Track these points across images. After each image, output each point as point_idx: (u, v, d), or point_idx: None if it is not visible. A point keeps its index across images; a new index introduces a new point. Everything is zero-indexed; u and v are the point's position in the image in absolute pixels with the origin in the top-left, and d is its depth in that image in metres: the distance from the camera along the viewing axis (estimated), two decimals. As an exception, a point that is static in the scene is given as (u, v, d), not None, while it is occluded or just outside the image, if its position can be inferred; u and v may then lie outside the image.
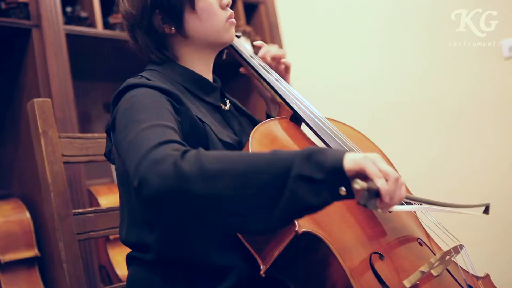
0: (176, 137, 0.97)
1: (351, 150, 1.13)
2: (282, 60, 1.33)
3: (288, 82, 1.32)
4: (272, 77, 1.28)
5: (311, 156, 0.85)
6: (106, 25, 2.46)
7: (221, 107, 1.23)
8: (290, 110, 1.21)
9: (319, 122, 1.19)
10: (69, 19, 2.31)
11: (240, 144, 1.14)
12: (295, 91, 1.26)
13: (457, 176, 2.43)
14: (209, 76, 1.25)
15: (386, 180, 0.85)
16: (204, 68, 1.23)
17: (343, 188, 0.84)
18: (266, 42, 3.19)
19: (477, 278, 1.16)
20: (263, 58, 1.32)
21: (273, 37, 3.02)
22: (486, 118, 2.36)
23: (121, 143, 1.01)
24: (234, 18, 1.23)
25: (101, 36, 2.38)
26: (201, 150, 0.91)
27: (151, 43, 1.20)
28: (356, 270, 0.95)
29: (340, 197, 0.85)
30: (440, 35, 2.43)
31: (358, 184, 0.83)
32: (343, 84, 2.83)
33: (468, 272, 1.14)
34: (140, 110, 1.03)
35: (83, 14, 2.36)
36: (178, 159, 0.87)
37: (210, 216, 0.88)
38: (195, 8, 1.16)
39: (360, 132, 1.32)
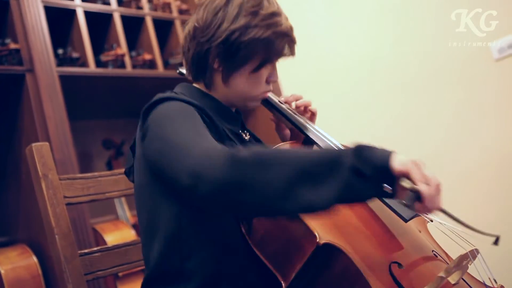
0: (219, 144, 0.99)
1: None
2: (309, 108, 1.33)
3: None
4: (284, 105, 1.30)
5: (361, 152, 0.90)
6: (99, 64, 2.49)
7: (241, 135, 1.24)
8: (302, 135, 1.24)
9: (330, 144, 1.20)
10: (61, 60, 2.33)
11: None
12: (303, 117, 1.29)
13: (454, 174, 2.43)
14: (232, 109, 1.27)
15: (428, 185, 0.91)
16: (228, 104, 1.25)
17: (387, 186, 0.90)
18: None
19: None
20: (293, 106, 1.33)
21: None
22: (485, 118, 2.36)
23: (162, 149, 1.01)
24: None
25: (94, 74, 2.40)
26: (252, 147, 0.95)
27: (196, 62, 1.20)
28: (377, 280, 0.96)
29: (382, 194, 0.91)
30: (440, 35, 2.44)
31: (406, 183, 0.89)
32: (341, 102, 2.85)
33: (483, 283, 1.14)
34: (179, 116, 1.05)
35: (75, 54, 2.39)
36: (233, 151, 0.91)
37: (263, 202, 0.90)
38: (254, 73, 1.17)
39: None
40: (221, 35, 1.14)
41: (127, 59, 2.54)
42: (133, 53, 2.65)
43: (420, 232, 1.20)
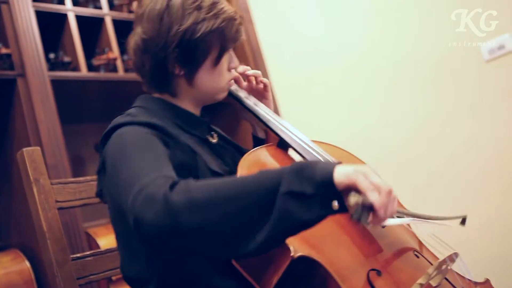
0: (167, 169, 0.97)
1: None
2: (260, 79, 1.33)
3: (269, 100, 1.34)
4: (254, 106, 1.28)
5: (300, 170, 0.85)
6: (90, 68, 2.48)
7: (208, 139, 1.23)
8: (277, 137, 1.22)
9: (305, 146, 1.19)
10: (53, 65, 2.33)
11: (232, 174, 1.11)
12: (277, 117, 1.27)
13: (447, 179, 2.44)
14: (198, 112, 1.26)
15: (379, 194, 0.85)
16: (194, 108, 1.24)
17: (335, 202, 0.84)
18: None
19: (477, 284, 1.16)
20: (241, 81, 1.32)
21: (256, 62, 3.05)
22: (485, 118, 2.38)
23: (114, 183, 1.01)
24: None
25: (86, 78, 2.40)
26: (190, 180, 0.90)
27: (156, 74, 1.19)
28: None
29: (332, 212, 0.85)
30: (440, 35, 2.45)
31: (353, 199, 0.83)
32: (330, 106, 2.85)
33: (467, 279, 1.14)
34: (129, 148, 1.03)
35: (66, 58, 2.38)
36: (167, 192, 0.86)
37: (204, 247, 0.88)
38: (216, 66, 1.17)
39: (349, 152, 1.32)
40: (174, 39, 1.13)
41: (119, 63, 2.54)
42: (125, 57, 2.64)
43: (401, 230, 1.19)
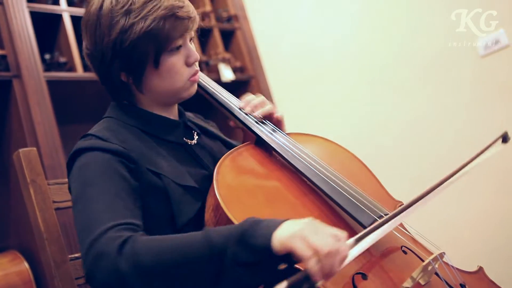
0: (123, 210, 0.97)
1: (318, 170, 1.11)
2: (275, 116, 1.27)
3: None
4: (231, 103, 1.26)
5: (243, 238, 0.85)
6: (86, 68, 2.48)
7: (186, 143, 1.20)
8: (254, 135, 1.20)
9: (282, 145, 1.16)
10: (49, 66, 2.33)
11: (210, 178, 1.08)
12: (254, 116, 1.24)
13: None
14: (172, 113, 1.23)
15: (317, 257, 0.81)
16: (165, 110, 1.21)
17: (281, 265, 0.85)
18: (246, 66, 3.21)
19: (469, 273, 1.14)
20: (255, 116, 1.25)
21: (252, 60, 3.05)
22: (480, 113, 2.38)
23: (74, 219, 1.02)
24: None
25: (82, 79, 2.39)
26: (138, 239, 0.90)
27: (109, 85, 1.18)
28: None
29: (281, 272, 0.85)
30: (440, 35, 2.45)
31: (285, 283, 0.77)
32: (327, 103, 2.85)
33: (459, 270, 1.12)
34: (89, 184, 1.02)
35: (62, 59, 2.38)
36: (116, 255, 0.88)
37: None
38: (158, 68, 1.11)
39: (327, 139, 1.31)
40: (108, 51, 1.10)
41: (115, 63, 2.54)
42: (121, 57, 2.64)
43: None
